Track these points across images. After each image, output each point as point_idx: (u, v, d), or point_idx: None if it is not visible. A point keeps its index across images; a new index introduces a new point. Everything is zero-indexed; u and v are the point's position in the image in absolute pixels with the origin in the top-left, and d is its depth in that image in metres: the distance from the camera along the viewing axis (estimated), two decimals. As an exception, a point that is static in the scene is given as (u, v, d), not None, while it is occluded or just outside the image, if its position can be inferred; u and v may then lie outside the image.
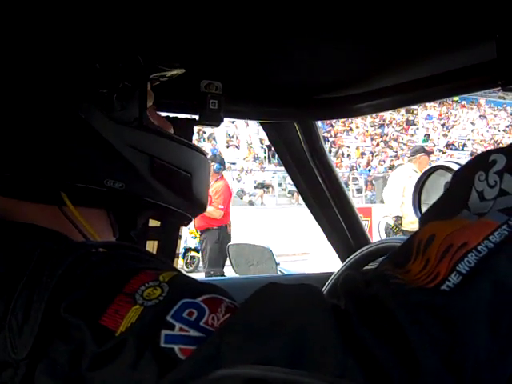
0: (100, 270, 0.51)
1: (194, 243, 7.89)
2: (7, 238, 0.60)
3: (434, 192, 1.27)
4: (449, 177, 1.22)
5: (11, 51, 0.63)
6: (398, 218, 5.67)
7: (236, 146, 17.40)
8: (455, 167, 1.20)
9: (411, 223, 5.42)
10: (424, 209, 1.30)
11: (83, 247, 0.54)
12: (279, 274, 2.42)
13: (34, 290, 0.49)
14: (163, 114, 0.85)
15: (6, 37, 0.63)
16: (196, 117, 0.98)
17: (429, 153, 5.93)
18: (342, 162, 17.75)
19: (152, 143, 0.69)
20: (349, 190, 13.53)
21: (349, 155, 18.87)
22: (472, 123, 24.08)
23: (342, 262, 1.38)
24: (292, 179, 1.53)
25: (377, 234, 5.93)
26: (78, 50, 0.64)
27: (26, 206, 0.64)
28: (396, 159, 18.31)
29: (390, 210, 5.90)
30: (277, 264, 2.56)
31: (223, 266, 5.77)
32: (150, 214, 0.78)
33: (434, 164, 1.31)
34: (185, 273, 0.54)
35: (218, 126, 1.00)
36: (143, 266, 0.52)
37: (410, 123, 22.53)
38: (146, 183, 0.68)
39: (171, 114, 0.85)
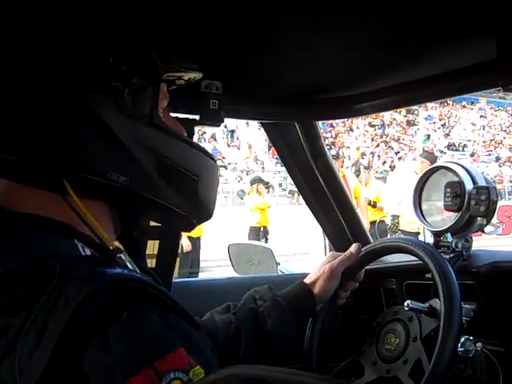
0: (127, 324, 0.49)
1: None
2: (15, 231, 0.60)
3: (435, 192, 1.27)
4: (450, 177, 1.21)
5: (24, 41, 0.63)
6: (395, 217, 5.69)
7: (237, 147, 17.40)
8: (456, 168, 1.20)
9: (409, 223, 5.44)
10: (424, 206, 1.29)
11: (99, 277, 0.52)
12: (279, 273, 2.42)
13: (48, 316, 0.48)
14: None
15: (19, 27, 0.64)
16: (196, 117, 0.98)
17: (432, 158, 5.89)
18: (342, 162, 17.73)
19: (161, 142, 0.69)
20: (349, 190, 13.48)
21: (349, 156, 18.87)
22: (473, 124, 24.05)
23: (343, 262, 1.38)
24: (293, 179, 1.53)
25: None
26: (92, 42, 0.64)
27: (31, 193, 0.64)
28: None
29: (387, 209, 5.92)
30: (277, 264, 2.56)
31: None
32: (152, 213, 0.77)
33: (434, 164, 1.30)
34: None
35: (218, 126, 1.00)
36: (179, 342, 0.51)
37: (410, 123, 22.51)
38: (150, 181, 0.68)
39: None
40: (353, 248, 1.18)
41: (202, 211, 0.77)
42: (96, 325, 0.48)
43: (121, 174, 0.64)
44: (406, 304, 1.04)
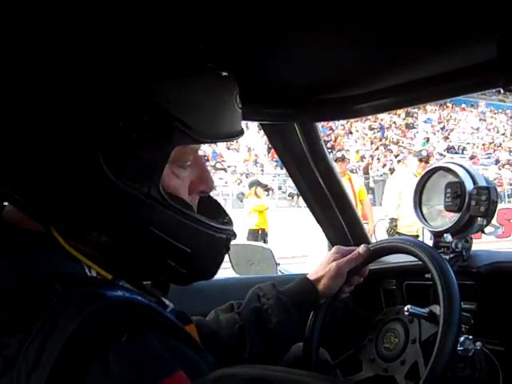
0: (127, 346, 0.49)
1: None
2: (22, 248, 0.60)
3: (435, 194, 1.27)
4: (449, 178, 1.21)
5: (25, 89, 0.58)
6: (393, 220, 5.67)
7: (236, 150, 17.41)
8: (456, 168, 1.20)
9: (407, 226, 5.42)
10: (425, 210, 1.29)
11: (100, 299, 0.52)
12: (279, 274, 2.42)
13: (47, 336, 0.48)
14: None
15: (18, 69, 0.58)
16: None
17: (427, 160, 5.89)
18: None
19: (153, 215, 0.64)
20: (349, 192, 13.48)
21: (348, 159, 18.88)
22: (472, 127, 24.08)
23: (343, 263, 1.38)
24: (293, 181, 1.53)
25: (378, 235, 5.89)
26: (102, 109, 0.58)
27: (34, 223, 0.63)
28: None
29: (386, 212, 5.91)
30: (277, 264, 2.56)
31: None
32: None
33: (434, 165, 1.30)
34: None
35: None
36: (178, 365, 0.51)
37: (409, 126, 22.53)
38: (136, 246, 0.65)
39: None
40: (361, 249, 1.17)
41: (194, 278, 0.73)
42: (96, 346, 0.48)
43: (103, 234, 0.63)
44: (405, 309, 1.04)
